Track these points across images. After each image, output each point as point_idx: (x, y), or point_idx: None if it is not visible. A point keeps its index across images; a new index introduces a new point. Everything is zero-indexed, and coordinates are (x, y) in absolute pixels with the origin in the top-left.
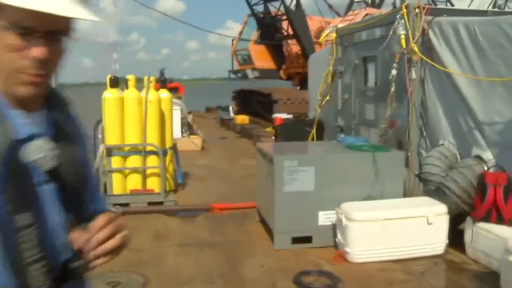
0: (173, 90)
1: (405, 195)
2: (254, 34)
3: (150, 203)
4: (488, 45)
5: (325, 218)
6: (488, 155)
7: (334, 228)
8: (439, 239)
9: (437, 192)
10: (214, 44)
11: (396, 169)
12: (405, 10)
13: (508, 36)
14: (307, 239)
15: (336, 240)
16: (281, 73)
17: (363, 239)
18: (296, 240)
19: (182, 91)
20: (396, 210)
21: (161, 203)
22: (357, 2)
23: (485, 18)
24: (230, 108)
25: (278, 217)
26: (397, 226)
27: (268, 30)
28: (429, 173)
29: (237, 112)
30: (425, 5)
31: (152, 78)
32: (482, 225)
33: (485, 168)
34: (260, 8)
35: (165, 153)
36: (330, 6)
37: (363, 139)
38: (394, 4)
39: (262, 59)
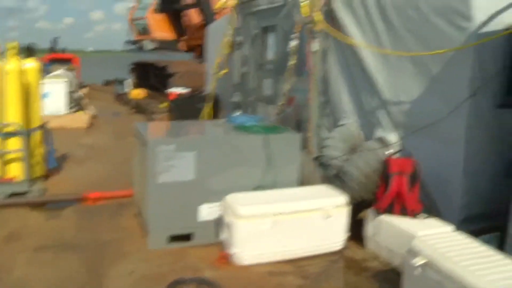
0: (65, 62)
1: (302, 182)
2: (153, 3)
3: (12, 195)
4: (397, 17)
5: (208, 212)
6: (393, 138)
7: (218, 223)
8: (338, 234)
9: (337, 178)
10: (119, 15)
11: (291, 153)
12: None
13: (417, 8)
14: (188, 237)
15: (221, 238)
16: (182, 44)
17: (251, 238)
18: (176, 238)
19: (77, 62)
20: (290, 203)
21: (24, 193)
22: None
23: None
24: (126, 82)
25: (153, 212)
26: (291, 221)
27: None
28: (329, 157)
29: (136, 86)
30: None
31: (14, 44)
32: (384, 217)
33: (389, 153)
34: None
35: (30, 133)
36: None
37: (256, 118)
38: None
39: (161, 29)
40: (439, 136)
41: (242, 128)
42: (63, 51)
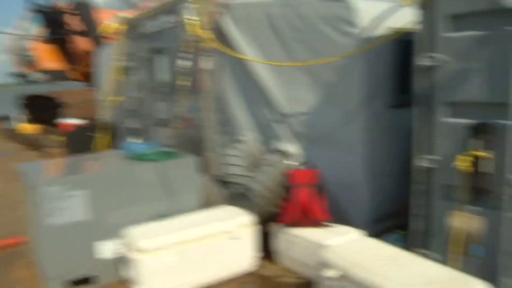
0: None
1: (206, 205)
2: (38, 31)
3: None
4: (286, 28)
5: (109, 250)
6: (293, 149)
7: (121, 261)
8: (249, 254)
9: (242, 196)
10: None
11: (189, 178)
12: None
13: (301, 17)
14: (90, 280)
15: (125, 276)
16: (72, 73)
17: (158, 272)
18: (78, 283)
19: None
20: (194, 229)
21: None
22: None
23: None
24: (15, 117)
25: (47, 258)
26: (198, 248)
27: (53, 25)
28: (231, 175)
29: (29, 120)
30: None
31: None
32: (292, 230)
33: (292, 165)
34: (42, 1)
35: None
36: None
37: (151, 145)
38: None
39: (50, 59)
40: (339, 143)
41: (136, 157)
42: None
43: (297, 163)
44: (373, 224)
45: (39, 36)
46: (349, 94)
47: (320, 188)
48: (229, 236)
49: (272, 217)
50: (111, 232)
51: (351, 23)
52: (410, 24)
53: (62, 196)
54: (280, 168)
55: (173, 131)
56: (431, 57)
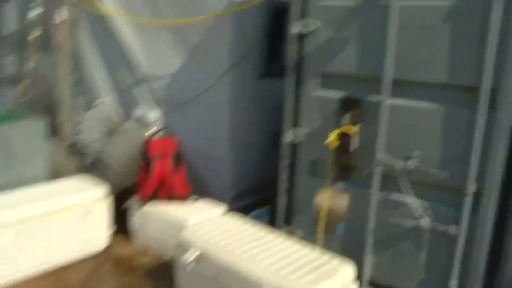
0: None
1: (54, 176)
2: None
3: None
4: None
5: None
6: (154, 115)
7: None
8: (101, 231)
9: (94, 166)
10: None
11: (35, 144)
12: None
13: None
14: None
15: None
16: None
17: None
18: None
19: None
20: (38, 204)
21: None
22: None
23: None
24: None
25: None
26: (42, 226)
27: None
28: (84, 143)
29: None
30: None
31: None
32: (150, 206)
33: (150, 133)
34: None
35: None
36: None
37: None
38: None
39: None
40: (203, 111)
41: None
42: None
43: (155, 131)
44: (235, 199)
45: None
46: (216, 58)
47: (178, 159)
48: (79, 211)
49: (129, 190)
50: None
51: None
52: None
53: None
54: (137, 136)
55: (21, 89)
56: (303, 24)
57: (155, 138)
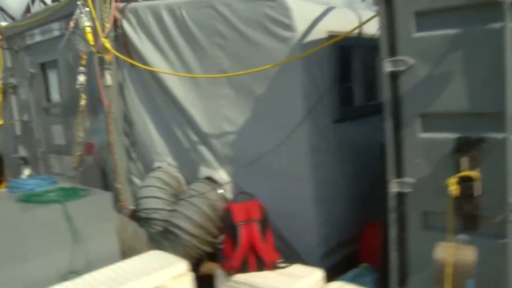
0: None
1: (124, 252)
2: None
3: None
4: (202, 34)
5: None
6: (221, 175)
7: None
8: None
9: (165, 234)
10: None
11: (102, 220)
12: None
13: (227, 20)
14: None
15: None
16: None
17: None
18: None
19: None
20: None
21: None
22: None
23: (193, 0)
24: None
25: None
26: None
27: None
28: (149, 209)
29: None
30: None
31: None
32: (240, 278)
33: (224, 195)
34: None
35: None
36: (1, 9)
37: (48, 180)
38: None
39: None
40: (276, 167)
41: (29, 198)
42: None
43: (229, 193)
44: (323, 258)
45: None
46: (286, 109)
47: (265, 223)
48: None
49: (203, 255)
50: None
51: (286, 26)
52: (347, 27)
53: None
54: (210, 199)
55: (72, 159)
56: (394, 61)
57: (235, 202)
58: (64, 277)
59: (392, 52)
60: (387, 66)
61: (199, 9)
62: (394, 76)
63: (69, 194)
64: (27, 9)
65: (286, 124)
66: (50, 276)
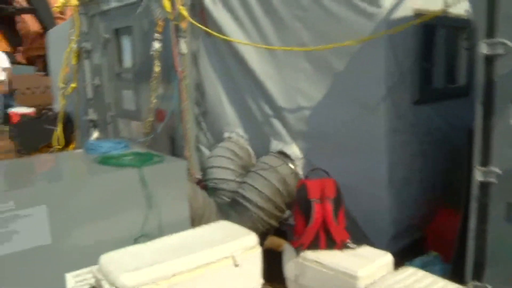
0: None
1: (193, 219)
2: None
3: None
4: (282, 5)
5: (78, 282)
6: (294, 150)
7: None
8: (252, 282)
9: (233, 205)
10: None
11: (176, 187)
12: None
13: None
14: None
15: None
16: (20, 56)
17: None
18: None
19: None
20: (188, 257)
21: None
22: None
23: None
24: None
25: None
26: (193, 281)
27: None
28: (218, 179)
29: None
30: None
31: None
32: (309, 254)
33: (295, 170)
34: None
35: None
36: None
37: (122, 143)
38: None
39: None
40: (353, 145)
41: (107, 161)
42: None
43: (300, 169)
44: (391, 241)
45: None
46: (367, 86)
47: (338, 202)
48: (230, 262)
49: (269, 229)
50: (80, 259)
51: (372, 1)
52: (432, 5)
53: (15, 216)
54: (280, 173)
55: (142, 125)
56: (491, 43)
57: (308, 178)
58: (137, 240)
59: (490, 33)
60: (483, 49)
61: None
62: (490, 59)
63: (145, 159)
64: None
65: (365, 102)
66: (123, 237)
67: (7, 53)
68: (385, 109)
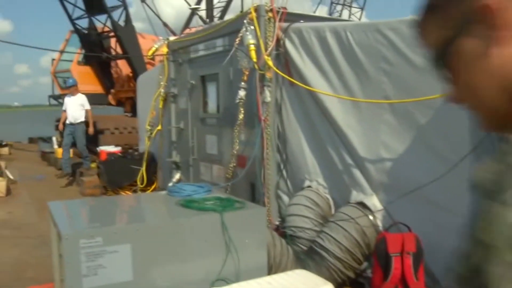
0: None
1: (271, 268)
2: (77, 54)
3: None
4: (366, 57)
5: None
6: (374, 202)
7: None
8: None
9: (310, 254)
10: (47, 68)
11: (256, 233)
12: (254, 14)
13: (393, 45)
14: None
15: None
16: (110, 98)
17: None
18: None
19: None
20: None
21: None
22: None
23: (360, 23)
24: (54, 139)
25: None
26: None
27: (94, 48)
28: (297, 228)
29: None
30: (280, 8)
31: None
32: None
33: (375, 223)
34: (84, 24)
35: None
36: (165, 24)
37: (204, 188)
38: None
39: (87, 82)
40: (435, 199)
41: (189, 204)
42: None
43: (380, 221)
44: None
45: (77, 59)
46: (451, 141)
47: (418, 257)
48: None
49: (345, 280)
50: None
51: None
52: None
53: (102, 252)
54: (360, 224)
55: (224, 169)
56: None
57: (388, 231)
58: (213, 283)
59: None
60: None
61: (365, 32)
62: None
63: (226, 204)
64: (186, 25)
65: (449, 157)
66: (201, 280)
67: (100, 95)
68: (469, 165)
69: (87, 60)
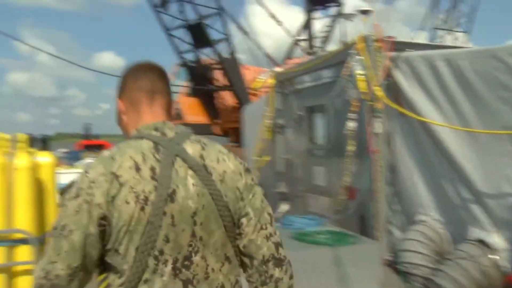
0: (98, 148)
1: None
2: (184, 86)
3: None
4: (483, 85)
5: None
6: (496, 240)
7: None
8: None
9: None
10: None
11: (369, 268)
12: (361, 44)
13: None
14: None
15: None
16: (216, 128)
17: None
18: None
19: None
20: None
21: None
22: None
23: (473, 49)
24: None
25: None
26: None
27: (200, 80)
28: (410, 264)
29: None
30: (387, 37)
31: (23, 137)
32: None
33: (498, 263)
34: (189, 57)
35: (43, 240)
36: (268, 56)
37: (316, 221)
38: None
39: (194, 113)
40: None
41: (302, 237)
42: (96, 137)
43: (504, 261)
44: None
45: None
46: None
47: None
48: None
49: None
50: None
51: None
52: None
53: None
54: (481, 264)
55: (332, 201)
56: None
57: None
58: None
59: None
60: None
61: (481, 59)
62: None
63: (339, 238)
64: (288, 55)
65: None
66: None
67: (205, 125)
68: None
69: (194, 92)
